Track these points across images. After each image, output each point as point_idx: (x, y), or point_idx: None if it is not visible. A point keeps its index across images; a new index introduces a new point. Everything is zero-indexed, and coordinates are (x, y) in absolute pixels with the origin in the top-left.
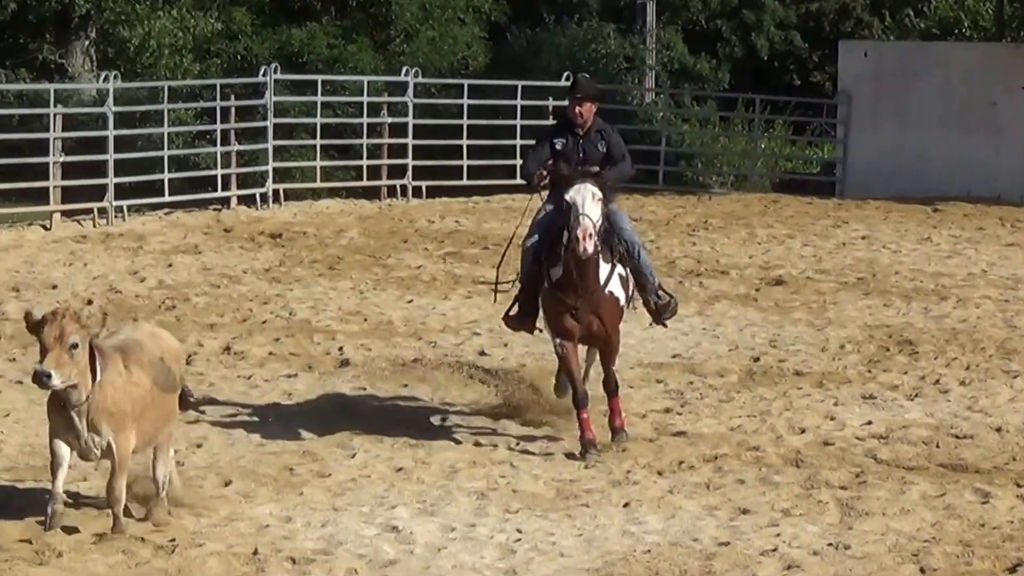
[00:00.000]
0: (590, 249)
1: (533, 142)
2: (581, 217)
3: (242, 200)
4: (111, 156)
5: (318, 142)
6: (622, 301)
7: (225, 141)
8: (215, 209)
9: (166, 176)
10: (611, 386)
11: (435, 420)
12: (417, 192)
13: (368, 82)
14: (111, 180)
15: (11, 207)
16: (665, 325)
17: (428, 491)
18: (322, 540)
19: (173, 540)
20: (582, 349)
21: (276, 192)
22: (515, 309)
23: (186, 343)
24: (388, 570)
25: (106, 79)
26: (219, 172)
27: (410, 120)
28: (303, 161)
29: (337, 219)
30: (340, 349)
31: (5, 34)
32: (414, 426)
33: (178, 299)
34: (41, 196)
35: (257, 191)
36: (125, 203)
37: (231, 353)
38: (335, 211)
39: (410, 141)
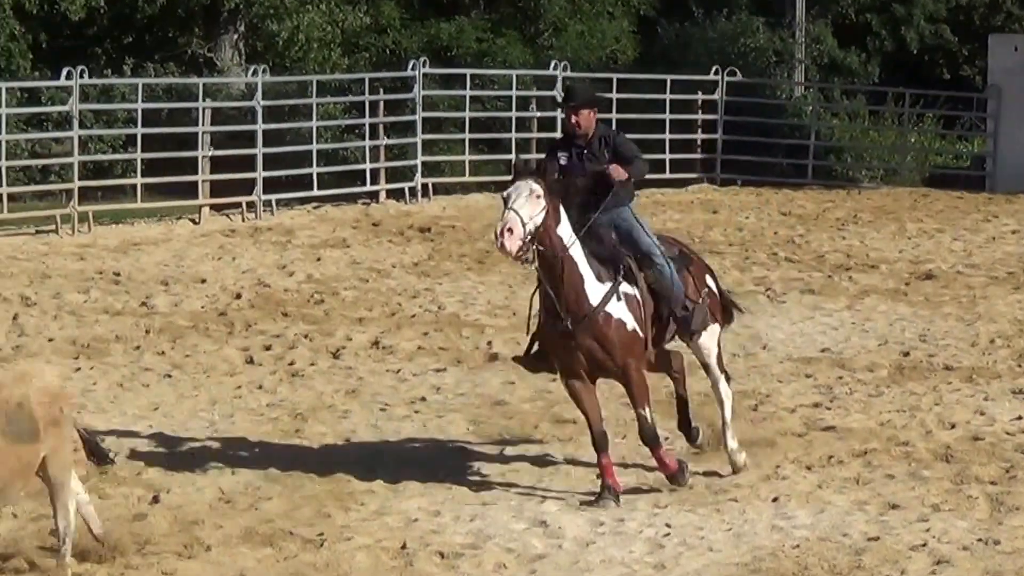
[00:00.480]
0: (508, 247)
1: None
2: (506, 212)
3: (391, 194)
4: (260, 150)
5: (467, 136)
6: (630, 325)
7: (374, 135)
8: (364, 203)
9: (314, 170)
10: (647, 434)
11: (581, 415)
12: None
13: (517, 76)
14: (260, 174)
15: (160, 201)
16: (691, 338)
17: (577, 485)
18: (471, 534)
19: (321, 534)
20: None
21: (425, 186)
22: (535, 347)
23: (335, 337)
24: (537, 564)
25: (255, 73)
26: (367, 166)
27: (559, 114)
28: (452, 155)
29: (486, 213)
30: (489, 343)
31: (154, 28)
32: (563, 420)
33: (327, 293)
34: (190, 190)
35: (406, 185)
36: (274, 197)
37: (380, 347)
38: (484, 205)
39: (559, 135)
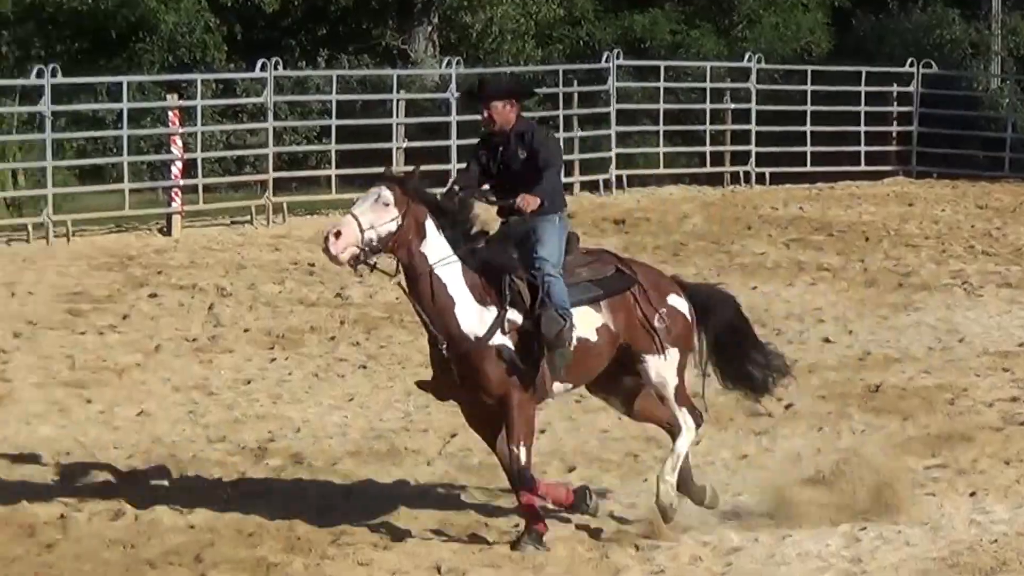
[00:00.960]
0: (331, 250)
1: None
2: (344, 215)
3: (585, 186)
4: (454, 142)
5: (661, 128)
6: (507, 355)
7: (568, 127)
8: None
9: None
10: (512, 474)
11: (777, 408)
12: (760, 178)
13: (711, 68)
14: (454, 166)
15: (354, 192)
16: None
17: (773, 478)
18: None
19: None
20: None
21: (619, 178)
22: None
23: None
24: (732, 557)
25: (449, 65)
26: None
27: (753, 106)
28: (646, 147)
29: (680, 205)
30: None
31: (348, 20)
32: (758, 413)
33: None
34: None
35: (600, 177)
36: None
37: None
38: (678, 197)
39: (753, 127)
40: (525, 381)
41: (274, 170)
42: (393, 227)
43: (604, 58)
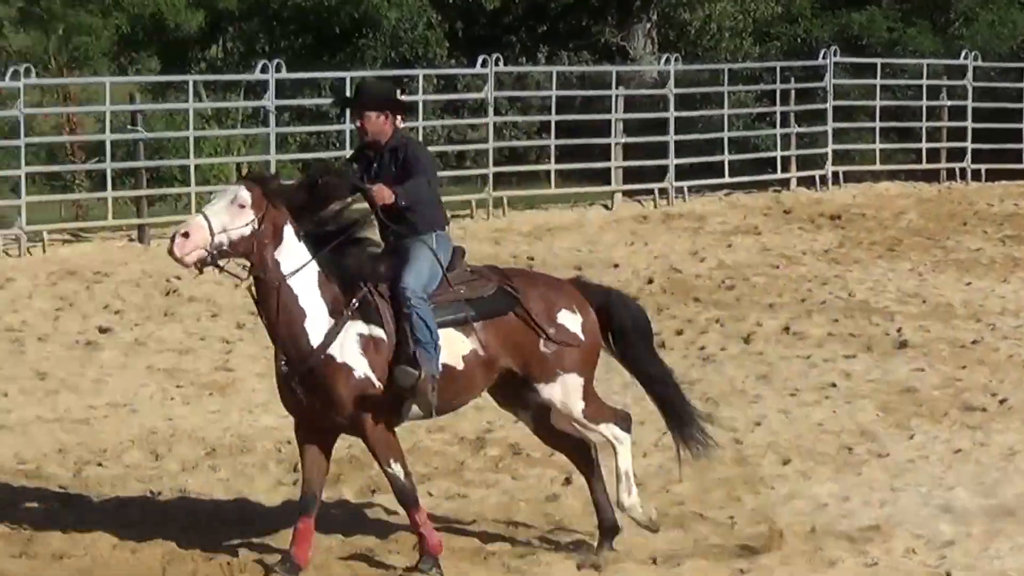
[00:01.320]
0: (176, 252)
1: None
2: (196, 215)
3: (801, 182)
4: (671, 137)
5: (877, 124)
6: (360, 372)
7: (785, 123)
8: (774, 190)
9: (726, 157)
10: (400, 494)
11: (991, 403)
12: (976, 175)
13: (927, 65)
14: (671, 161)
15: (574, 187)
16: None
17: (986, 473)
18: (880, 519)
19: (732, 517)
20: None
21: (835, 174)
22: None
23: (746, 322)
24: (946, 551)
25: (667, 61)
26: (778, 154)
27: (969, 103)
28: (862, 143)
29: (896, 201)
30: (899, 330)
31: (568, 17)
32: (972, 408)
33: (737, 279)
34: (603, 176)
35: (816, 173)
36: (685, 184)
37: (790, 333)
38: (894, 193)
39: (969, 124)
40: (376, 398)
41: (494, 165)
42: (247, 231)
43: (821, 55)
